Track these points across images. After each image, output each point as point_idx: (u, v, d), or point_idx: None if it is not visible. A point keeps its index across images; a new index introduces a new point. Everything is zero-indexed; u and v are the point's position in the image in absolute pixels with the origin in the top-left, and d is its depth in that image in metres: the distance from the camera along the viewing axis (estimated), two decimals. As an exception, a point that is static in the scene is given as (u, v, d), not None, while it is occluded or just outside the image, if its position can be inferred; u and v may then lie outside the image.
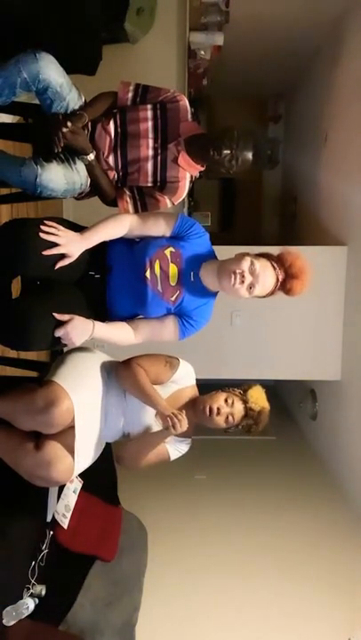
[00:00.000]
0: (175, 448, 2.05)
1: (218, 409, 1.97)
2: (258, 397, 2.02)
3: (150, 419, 1.96)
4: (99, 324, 1.83)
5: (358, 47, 4.26)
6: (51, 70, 1.86)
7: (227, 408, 1.98)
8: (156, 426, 1.98)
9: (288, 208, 6.44)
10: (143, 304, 1.89)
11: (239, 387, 2.07)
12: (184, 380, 2.06)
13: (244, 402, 2.00)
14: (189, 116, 2.12)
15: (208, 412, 1.97)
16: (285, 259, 1.87)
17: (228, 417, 1.98)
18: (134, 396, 1.95)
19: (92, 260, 1.90)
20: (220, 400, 1.99)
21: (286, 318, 4.19)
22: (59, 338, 1.78)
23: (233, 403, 1.99)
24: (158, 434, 1.95)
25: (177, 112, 2.09)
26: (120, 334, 1.91)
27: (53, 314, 1.74)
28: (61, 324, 1.75)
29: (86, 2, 2.29)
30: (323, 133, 4.97)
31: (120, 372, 1.97)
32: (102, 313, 1.94)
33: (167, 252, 1.89)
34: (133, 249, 1.93)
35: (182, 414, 1.84)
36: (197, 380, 2.13)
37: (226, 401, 1.99)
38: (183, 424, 1.82)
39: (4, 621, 1.96)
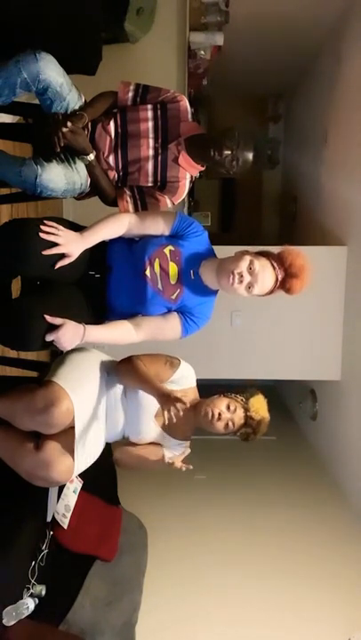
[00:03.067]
0: (173, 452, 2.05)
1: (219, 414, 1.96)
2: (259, 407, 2.01)
3: (150, 420, 1.96)
4: (90, 328, 1.80)
5: (358, 47, 4.26)
6: (51, 70, 1.86)
7: (228, 414, 1.97)
8: (157, 427, 1.98)
9: (288, 208, 6.44)
10: (143, 303, 1.89)
11: (241, 392, 2.06)
12: (184, 380, 2.06)
13: (246, 410, 1.99)
14: (190, 116, 2.12)
15: (209, 417, 1.97)
16: (285, 258, 1.86)
17: (228, 423, 1.98)
18: (133, 386, 1.94)
19: (91, 259, 1.90)
20: (221, 405, 1.98)
21: (286, 318, 4.19)
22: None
23: (235, 409, 1.98)
24: (157, 454, 1.99)
25: (177, 112, 2.09)
26: (118, 334, 1.88)
27: (45, 316, 1.71)
28: (53, 327, 1.73)
29: (86, 2, 2.29)
30: (323, 133, 4.97)
31: (118, 367, 1.97)
32: (102, 312, 1.94)
33: (166, 250, 1.89)
34: (133, 248, 1.93)
35: (181, 405, 1.75)
36: (197, 380, 2.13)
37: (228, 407, 1.98)
38: (178, 415, 1.74)
39: (4, 621, 1.96)
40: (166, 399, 1.76)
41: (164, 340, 1.95)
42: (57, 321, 1.73)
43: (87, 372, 1.94)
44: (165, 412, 1.75)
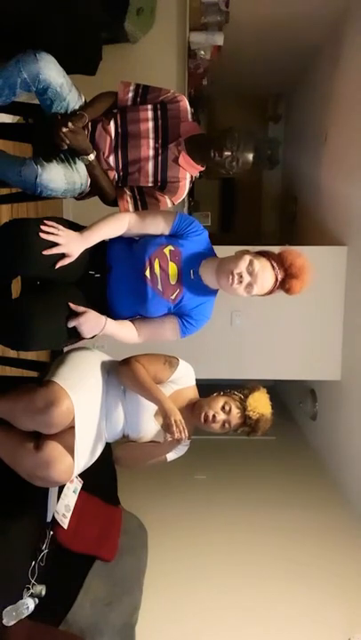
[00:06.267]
0: (176, 453, 2.04)
1: (213, 416, 1.96)
2: (257, 405, 1.98)
3: (150, 419, 1.96)
4: (110, 321, 1.87)
5: (358, 47, 4.26)
6: (51, 70, 1.86)
7: (223, 415, 1.96)
8: (157, 426, 1.98)
9: (288, 208, 6.44)
10: (143, 303, 1.89)
11: (242, 389, 2.04)
12: (184, 380, 2.06)
13: (243, 408, 1.98)
14: (190, 116, 2.12)
15: (203, 420, 1.97)
16: (286, 258, 1.86)
17: (224, 424, 1.97)
18: (135, 393, 1.94)
19: (91, 259, 1.90)
20: (217, 406, 1.97)
21: (286, 318, 4.19)
22: (59, 338, 1.78)
23: (230, 410, 1.96)
24: (161, 447, 1.95)
25: (177, 112, 2.09)
26: (127, 332, 1.94)
27: (70, 303, 1.79)
28: (75, 314, 1.79)
29: (86, 2, 2.29)
30: (323, 133, 4.97)
31: (120, 369, 1.97)
32: (103, 312, 1.94)
33: (166, 250, 1.88)
34: (133, 248, 1.93)
35: (182, 430, 1.81)
36: (197, 380, 2.13)
37: (223, 407, 1.97)
38: (183, 435, 1.80)
39: (4, 621, 1.96)
40: (169, 423, 1.81)
41: (163, 341, 1.95)
42: (80, 309, 1.79)
43: (87, 371, 1.94)
44: (168, 435, 1.83)
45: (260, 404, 2.00)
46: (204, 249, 1.95)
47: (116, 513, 2.82)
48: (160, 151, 2.07)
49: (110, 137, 2.04)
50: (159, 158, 2.08)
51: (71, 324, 1.79)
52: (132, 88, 2.11)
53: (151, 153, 2.07)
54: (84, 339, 1.87)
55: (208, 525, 3.68)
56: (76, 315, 1.80)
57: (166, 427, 1.83)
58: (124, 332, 1.93)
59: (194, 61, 4.46)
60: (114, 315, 1.95)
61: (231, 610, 2.99)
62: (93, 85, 2.24)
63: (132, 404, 1.97)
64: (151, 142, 2.06)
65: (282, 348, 4.30)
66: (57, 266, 1.77)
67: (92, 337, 1.87)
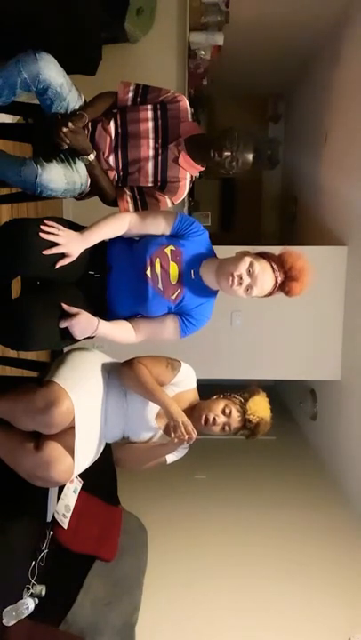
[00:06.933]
0: (175, 455, 2.04)
1: (214, 419, 1.96)
2: (257, 408, 1.99)
3: (151, 420, 1.96)
4: (103, 323, 1.84)
5: (358, 47, 4.26)
6: (51, 70, 1.86)
7: (223, 418, 1.97)
8: (157, 428, 1.98)
9: (288, 208, 6.45)
10: (144, 303, 1.89)
11: (242, 391, 2.05)
12: (185, 382, 2.06)
13: (243, 412, 1.98)
14: (189, 116, 2.12)
15: (204, 422, 1.96)
16: (286, 260, 1.86)
17: (224, 427, 1.97)
18: (139, 394, 1.94)
19: (91, 259, 1.90)
20: (217, 409, 1.98)
21: (286, 318, 4.19)
22: (59, 338, 1.78)
23: (230, 413, 1.97)
24: (163, 448, 1.95)
25: (177, 112, 2.09)
26: (122, 333, 1.92)
27: (62, 304, 1.76)
28: (67, 315, 1.77)
29: (86, 2, 2.29)
30: (323, 133, 4.98)
31: (123, 371, 1.97)
32: (103, 312, 1.94)
33: (167, 250, 1.88)
34: (133, 248, 1.93)
35: (190, 432, 1.82)
36: (197, 380, 2.13)
37: (223, 410, 1.97)
38: (191, 436, 1.82)
39: (4, 621, 1.96)
40: (177, 425, 1.82)
41: (163, 340, 1.95)
42: (72, 310, 1.77)
43: (87, 372, 1.94)
44: (174, 437, 1.83)
45: (260, 407, 2.00)
46: (205, 249, 1.95)
47: (116, 513, 2.82)
48: (160, 151, 2.07)
49: (110, 137, 2.04)
50: (159, 158, 2.08)
51: (63, 325, 1.77)
52: (132, 88, 2.11)
53: (151, 153, 2.07)
54: (77, 340, 1.86)
55: (208, 525, 3.68)
56: (69, 315, 1.78)
57: (173, 428, 1.83)
58: (119, 332, 1.90)
59: (194, 61, 4.47)
60: (113, 315, 1.95)
61: (231, 610, 3.00)
62: (93, 85, 2.24)
63: (133, 405, 1.97)
64: (151, 142, 2.06)
65: (282, 348, 4.30)
66: (57, 266, 1.77)
67: (91, 337, 1.86)
